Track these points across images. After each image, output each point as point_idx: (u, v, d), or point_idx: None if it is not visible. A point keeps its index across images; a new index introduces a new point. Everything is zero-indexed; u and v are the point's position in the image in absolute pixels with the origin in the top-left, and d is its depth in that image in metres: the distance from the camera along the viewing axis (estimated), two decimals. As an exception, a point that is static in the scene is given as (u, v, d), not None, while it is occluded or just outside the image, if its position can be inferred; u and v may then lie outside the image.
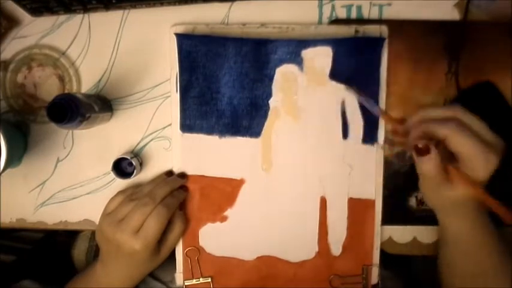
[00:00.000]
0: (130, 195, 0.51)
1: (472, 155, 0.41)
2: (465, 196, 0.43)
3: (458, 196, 0.44)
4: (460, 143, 0.41)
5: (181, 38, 0.52)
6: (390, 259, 0.56)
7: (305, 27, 0.53)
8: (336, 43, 0.52)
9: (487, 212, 0.46)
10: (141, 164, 0.54)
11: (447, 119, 0.42)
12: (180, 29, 0.53)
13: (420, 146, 0.42)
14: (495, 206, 0.42)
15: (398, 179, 0.54)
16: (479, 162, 0.41)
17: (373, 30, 0.52)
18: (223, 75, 0.52)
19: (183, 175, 0.54)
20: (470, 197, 0.44)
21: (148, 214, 0.48)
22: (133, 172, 0.53)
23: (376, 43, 0.52)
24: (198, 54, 0.52)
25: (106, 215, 0.50)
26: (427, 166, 0.43)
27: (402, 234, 0.55)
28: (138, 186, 0.53)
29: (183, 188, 0.54)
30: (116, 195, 0.52)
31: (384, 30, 0.52)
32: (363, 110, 0.52)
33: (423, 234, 0.55)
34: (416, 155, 0.43)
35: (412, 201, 0.55)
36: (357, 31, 0.53)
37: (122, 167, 0.54)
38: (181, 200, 0.53)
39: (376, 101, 0.53)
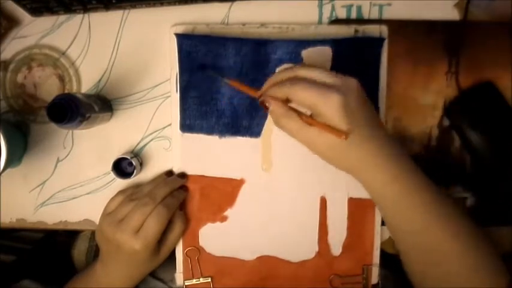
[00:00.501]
0: (131, 195, 0.51)
1: (311, 100, 0.41)
2: (331, 143, 0.42)
3: (324, 145, 0.43)
4: (298, 96, 0.41)
5: (181, 38, 0.52)
6: (390, 259, 0.56)
7: (305, 27, 0.53)
8: (335, 43, 0.52)
9: (407, 159, 0.44)
10: (141, 164, 0.54)
11: (287, 79, 0.43)
12: (180, 29, 0.53)
13: (260, 103, 0.44)
14: (325, 127, 0.41)
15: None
16: (320, 104, 0.40)
17: (372, 30, 0.52)
18: (223, 76, 0.52)
19: (183, 175, 0.54)
20: (334, 144, 0.42)
21: (148, 214, 0.48)
22: (133, 172, 0.53)
23: (375, 43, 0.52)
24: (198, 54, 0.52)
25: (106, 215, 0.50)
26: (277, 118, 0.43)
27: (402, 234, 0.55)
28: (138, 186, 0.53)
29: (183, 188, 0.53)
30: (116, 195, 0.52)
31: (383, 30, 0.52)
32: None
33: (423, 234, 0.55)
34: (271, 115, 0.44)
35: (412, 201, 0.55)
36: (356, 31, 0.53)
37: (121, 167, 0.54)
38: (181, 200, 0.53)
39: (376, 101, 0.53)
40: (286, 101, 0.43)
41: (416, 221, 0.44)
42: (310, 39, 0.52)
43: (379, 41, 0.52)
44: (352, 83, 0.42)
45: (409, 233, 0.46)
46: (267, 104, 0.43)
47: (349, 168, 0.45)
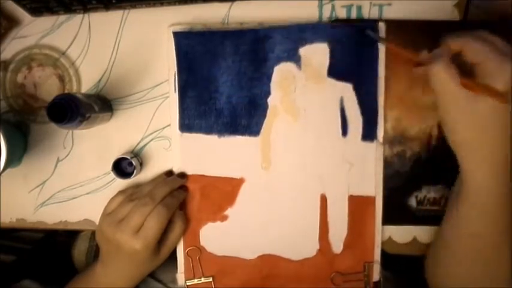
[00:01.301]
0: (130, 195, 0.51)
1: (485, 59, 0.40)
2: (491, 109, 0.40)
3: (485, 110, 0.41)
4: (474, 50, 0.41)
5: (179, 36, 0.52)
6: (390, 259, 0.56)
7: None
8: (333, 40, 0.52)
9: None
10: (141, 164, 0.54)
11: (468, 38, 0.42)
12: (178, 29, 0.53)
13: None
14: (489, 90, 0.40)
15: (398, 179, 0.54)
16: (494, 67, 0.40)
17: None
18: (222, 75, 0.52)
19: (182, 175, 0.54)
20: (496, 110, 0.40)
21: (148, 214, 0.48)
22: (133, 172, 0.53)
23: (373, 40, 0.52)
24: (196, 53, 0.52)
25: (106, 215, 0.50)
26: (439, 71, 0.41)
27: (402, 234, 0.55)
28: (138, 186, 0.53)
29: (183, 188, 0.53)
30: (115, 196, 0.52)
31: (381, 26, 0.52)
32: (362, 106, 0.52)
33: (423, 234, 0.55)
34: (428, 66, 0.42)
35: (412, 201, 0.55)
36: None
37: (122, 167, 0.54)
38: (181, 200, 0.53)
39: (375, 98, 0.53)
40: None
41: (496, 225, 0.44)
42: (307, 36, 0.52)
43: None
44: None
45: (476, 236, 0.45)
46: (435, 50, 0.42)
47: (471, 149, 0.43)
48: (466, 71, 0.42)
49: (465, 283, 0.47)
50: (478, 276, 0.46)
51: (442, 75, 0.41)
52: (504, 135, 0.41)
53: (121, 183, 0.55)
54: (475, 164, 0.43)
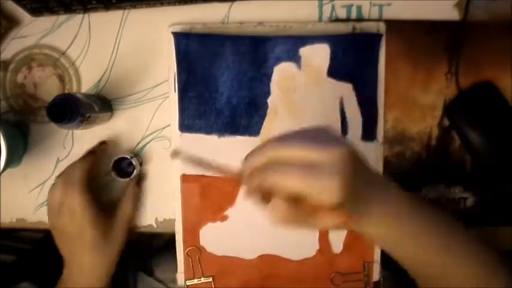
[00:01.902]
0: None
1: (300, 187, 0.34)
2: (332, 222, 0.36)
3: (328, 223, 0.36)
4: (284, 185, 0.34)
5: (179, 37, 0.52)
6: (390, 260, 0.55)
7: (303, 25, 0.53)
8: (333, 40, 0.52)
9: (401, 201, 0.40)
10: (141, 164, 0.54)
11: (264, 167, 0.36)
12: (177, 29, 0.53)
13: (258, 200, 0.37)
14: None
15: (398, 179, 0.54)
16: (309, 187, 0.33)
17: (370, 27, 0.52)
18: (221, 75, 0.52)
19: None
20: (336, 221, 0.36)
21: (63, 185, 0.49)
22: (133, 172, 0.53)
23: (373, 40, 0.52)
24: (196, 53, 0.52)
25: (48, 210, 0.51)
26: (279, 214, 0.36)
27: (402, 234, 0.55)
28: None
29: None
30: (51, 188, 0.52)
31: (381, 26, 0.52)
32: (362, 106, 0.52)
33: (423, 234, 0.55)
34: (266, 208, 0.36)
35: (412, 201, 0.55)
36: (354, 28, 0.53)
37: (121, 167, 0.54)
38: (98, 153, 0.53)
39: (375, 99, 0.53)
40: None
41: (436, 265, 0.43)
42: (307, 36, 0.52)
43: (377, 37, 0.52)
44: (343, 153, 0.34)
45: (428, 277, 0.44)
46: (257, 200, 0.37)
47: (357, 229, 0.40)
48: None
49: None
50: None
51: (288, 224, 0.36)
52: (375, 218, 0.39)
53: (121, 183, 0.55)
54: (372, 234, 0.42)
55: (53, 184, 0.51)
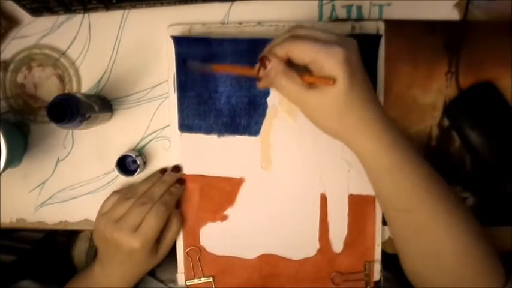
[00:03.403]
0: (125, 194, 0.51)
1: (313, 54, 0.40)
2: (332, 96, 0.41)
3: (329, 99, 0.41)
4: (300, 52, 0.41)
5: (178, 40, 0.52)
6: (390, 259, 0.56)
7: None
8: None
9: (397, 131, 0.43)
10: (144, 163, 0.54)
11: (284, 40, 0.42)
12: (176, 29, 0.53)
13: (258, 65, 0.43)
14: (319, 79, 0.41)
15: (398, 178, 0.54)
16: (322, 57, 0.40)
17: (369, 26, 0.52)
18: (221, 74, 0.52)
19: (177, 168, 0.54)
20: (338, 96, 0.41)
21: (147, 213, 0.48)
22: (136, 170, 0.53)
23: (372, 40, 0.52)
24: (195, 56, 0.52)
25: (102, 215, 0.50)
26: (276, 75, 0.42)
27: (402, 234, 0.55)
28: (131, 185, 0.53)
29: (180, 182, 0.53)
30: (110, 195, 0.52)
31: (380, 26, 0.52)
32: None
33: (423, 234, 0.55)
34: (268, 77, 0.42)
35: (412, 201, 0.55)
36: (353, 28, 0.53)
37: (125, 165, 0.54)
38: (179, 196, 0.53)
39: None
40: (287, 62, 0.42)
41: (409, 196, 0.44)
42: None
43: (376, 37, 0.52)
44: (352, 41, 0.42)
45: (400, 211, 0.45)
46: (266, 62, 0.42)
47: (344, 134, 0.43)
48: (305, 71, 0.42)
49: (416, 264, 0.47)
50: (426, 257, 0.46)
51: (283, 83, 0.42)
52: (370, 127, 0.42)
53: (121, 183, 0.55)
54: (356, 149, 0.44)
55: (117, 194, 0.51)
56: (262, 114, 0.53)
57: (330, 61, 0.40)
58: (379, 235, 0.54)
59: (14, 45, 0.55)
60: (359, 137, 0.43)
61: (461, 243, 0.44)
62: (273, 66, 0.42)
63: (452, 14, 0.53)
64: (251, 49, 0.52)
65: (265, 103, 0.53)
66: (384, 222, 0.54)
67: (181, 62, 0.51)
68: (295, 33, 0.42)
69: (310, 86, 0.41)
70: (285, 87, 0.42)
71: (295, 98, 0.43)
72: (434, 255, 0.45)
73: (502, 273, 0.45)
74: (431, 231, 0.44)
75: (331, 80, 0.40)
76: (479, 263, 0.44)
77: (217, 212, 0.54)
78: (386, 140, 0.43)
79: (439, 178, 0.45)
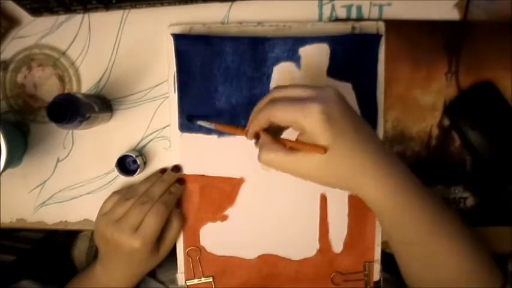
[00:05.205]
0: (125, 194, 0.51)
1: (291, 116, 0.39)
2: (320, 159, 0.39)
3: (317, 161, 0.39)
4: (278, 117, 0.40)
5: (178, 38, 0.52)
6: (391, 260, 0.56)
7: (302, 25, 0.53)
8: (332, 40, 0.52)
9: (403, 171, 0.42)
10: (144, 164, 0.54)
11: (265, 106, 0.41)
12: (177, 29, 0.53)
13: (249, 138, 0.44)
14: (304, 145, 0.39)
15: (398, 178, 0.54)
16: (300, 118, 0.38)
17: (370, 26, 0.52)
18: (221, 75, 0.52)
19: (177, 168, 0.54)
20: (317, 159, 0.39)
21: (147, 212, 0.48)
22: (136, 170, 0.53)
23: (373, 40, 0.52)
24: (195, 54, 0.52)
25: (102, 215, 0.50)
26: (266, 155, 0.41)
27: (402, 234, 0.55)
28: (131, 186, 0.53)
29: (180, 181, 0.53)
30: (110, 196, 0.52)
31: (380, 26, 0.52)
32: (362, 106, 0.52)
33: (423, 234, 0.55)
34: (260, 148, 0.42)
35: (412, 201, 0.55)
36: (353, 28, 0.53)
37: (125, 164, 0.54)
38: (178, 196, 0.53)
39: (374, 99, 0.53)
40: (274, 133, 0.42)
41: (414, 231, 0.43)
42: (307, 36, 0.52)
43: (377, 37, 0.52)
44: (330, 91, 0.40)
45: (409, 244, 0.45)
46: (249, 138, 0.43)
47: (342, 186, 0.42)
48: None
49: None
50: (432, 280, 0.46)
51: (271, 157, 0.41)
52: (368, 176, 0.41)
53: (121, 183, 0.55)
54: (361, 196, 0.43)
55: (117, 194, 0.51)
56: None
57: (308, 120, 0.38)
58: (379, 235, 0.54)
59: (14, 45, 0.55)
60: (360, 187, 0.41)
61: (464, 271, 0.45)
62: (260, 142, 0.42)
63: (452, 14, 0.53)
64: (251, 48, 0.52)
65: (265, 103, 0.53)
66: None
67: (186, 119, 0.53)
68: (273, 96, 0.41)
69: (294, 146, 0.40)
70: (274, 162, 0.41)
71: (284, 169, 0.42)
72: (437, 281, 0.46)
73: (499, 281, 0.46)
74: (436, 262, 0.44)
75: (322, 149, 0.38)
76: (484, 277, 0.45)
77: (217, 212, 0.54)
78: (389, 185, 0.41)
79: (444, 205, 0.45)
